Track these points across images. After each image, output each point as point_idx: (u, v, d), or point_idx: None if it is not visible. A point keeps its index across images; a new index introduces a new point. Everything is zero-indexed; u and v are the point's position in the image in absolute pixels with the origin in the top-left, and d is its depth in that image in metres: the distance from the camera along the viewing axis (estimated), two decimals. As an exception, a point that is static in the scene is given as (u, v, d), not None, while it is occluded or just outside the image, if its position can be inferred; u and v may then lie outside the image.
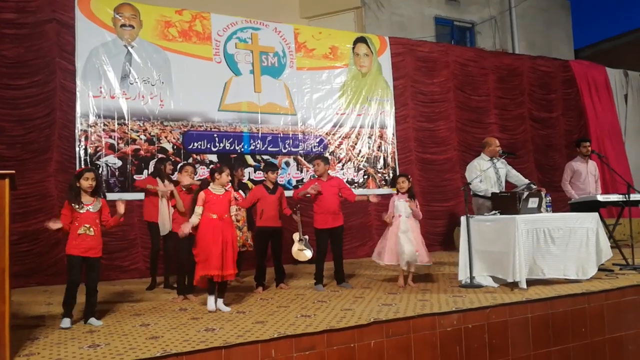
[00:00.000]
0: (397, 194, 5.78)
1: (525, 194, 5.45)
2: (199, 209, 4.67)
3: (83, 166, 7.11)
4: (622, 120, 11.99)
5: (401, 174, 6.00)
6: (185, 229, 4.69)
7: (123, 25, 7.66)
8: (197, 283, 4.68)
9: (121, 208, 4.38)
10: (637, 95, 12.42)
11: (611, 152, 11.15)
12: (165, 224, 5.96)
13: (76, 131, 7.23)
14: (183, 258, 5.28)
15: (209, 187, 4.76)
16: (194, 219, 4.66)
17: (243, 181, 6.91)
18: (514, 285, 5.09)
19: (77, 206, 4.20)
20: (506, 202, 5.51)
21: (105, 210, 4.41)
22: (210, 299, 4.64)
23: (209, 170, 6.73)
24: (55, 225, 4.20)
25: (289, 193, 7.48)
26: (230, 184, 5.01)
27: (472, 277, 5.36)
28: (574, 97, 11.50)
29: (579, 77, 11.52)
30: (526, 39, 13.06)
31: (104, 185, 7.21)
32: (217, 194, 4.74)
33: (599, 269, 5.56)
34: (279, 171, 8.36)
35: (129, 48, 7.67)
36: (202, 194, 4.70)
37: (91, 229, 4.23)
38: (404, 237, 5.55)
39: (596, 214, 5.57)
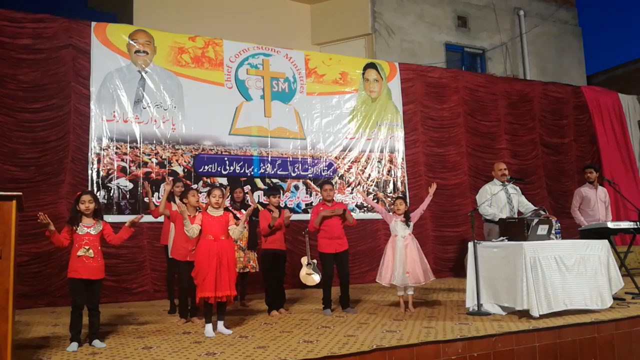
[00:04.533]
0: (395, 214, 5.81)
1: (535, 220, 5.39)
2: (196, 227, 4.71)
3: (95, 189, 7.23)
4: (635, 146, 11.86)
5: (399, 197, 6.04)
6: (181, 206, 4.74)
7: (137, 51, 7.85)
8: (199, 305, 4.70)
9: (137, 218, 4.48)
10: (650, 121, 12.31)
11: (624, 178, 11.00)
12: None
13: (89, 154, 7.36)
14: (184, 281, 5.31)
15: (208, 209, 4.83)
16: (189, 224, 4.69)
17: (246, 202, 6.88)
18: (522, 313, 5.01)
19: (75, 228, 4.28)
20: (514, 228, 5.45)
21: (108, 231, 4.46)
22: (208, 326, 4.64)
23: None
24: (46, 220, 4.09)
25: (300, 217, 7.52)
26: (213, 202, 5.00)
27: (479, 305, 5.29)
28: (586, 123, 11.44)
29: (591, 103, 11.47)
30: (537, 65, 13.08)
31: (114, 207, 7.34)
32: (214, 216, 4.78)
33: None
34: (288, 194, 8.46)
35: (143, 73, 7.84)
36: (199, 215, 4.80)
37: (90, 251, 4.28)
38: (398, 259, 5.58)
39: (606, 242, 5.49)
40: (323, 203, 5.99)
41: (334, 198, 6.15)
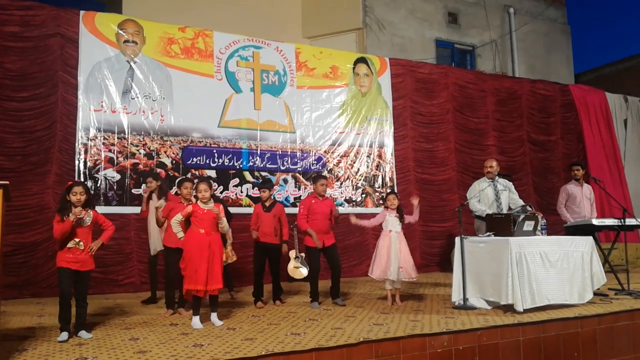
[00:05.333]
0: (387, 209, 5.83)
1: (521, 216, 5.45)
2: (178, 216, 4.71)
3: (82, 179, 7.17)
4: (621, 145, 12.00)
5: (391, 192, 6.06)
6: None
7: (126, 41, 7.77)
8: (186, 296, 4.70)
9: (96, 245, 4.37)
10: (636, 120, 12.44)
11: (609, 176, 11.14)
12: (154, 243, 5.97)
13: (76, 144, 7.28)
14: (172, 272, 5.30)
15: (198, 202, 4.80)
16: (173, 225, 4.73)
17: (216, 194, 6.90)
18: (507, 307, 5.07)
19: (65, 218, 4.20)
20: (501, 223, 5.51)
21: (101, 219, 4.44)
22: (195, 318, 4.64)
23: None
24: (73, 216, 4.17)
25: (289, 210, 7.50)
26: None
27: (465, 299, 5.34)
28: (572, 120, 11.55)
29: (578, 101, 11.58)
30: (526, 62, 13.18)
31: (101, 198, 7.28)
32: (205, 209, 4.76)
33: (594, 294, 5.55)
34: (276, 188, 8.45)
35: (132, 64, 7.76)
36: (189, 207, 4.76)
37: (81, 243, 4.24)
38: (393, 254, 5.61)
39: (590, 238, 5.57)
40: (314, 196, 6.02)
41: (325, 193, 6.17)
